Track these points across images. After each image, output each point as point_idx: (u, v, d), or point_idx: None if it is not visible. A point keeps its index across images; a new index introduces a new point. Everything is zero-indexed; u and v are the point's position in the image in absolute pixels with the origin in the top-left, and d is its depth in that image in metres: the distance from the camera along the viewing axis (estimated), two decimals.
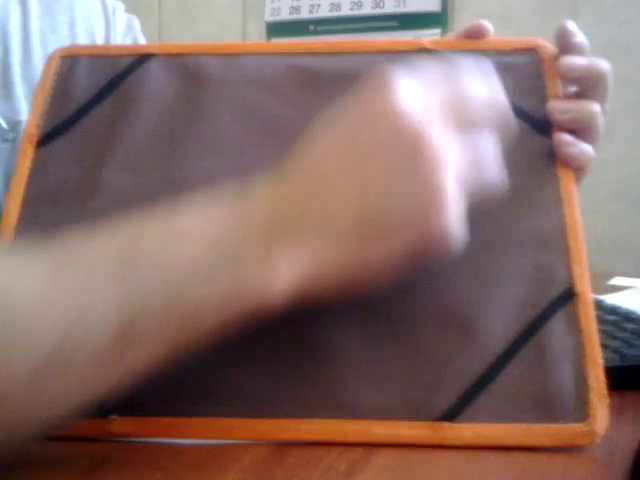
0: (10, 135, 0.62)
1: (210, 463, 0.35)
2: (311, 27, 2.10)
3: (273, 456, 0.36)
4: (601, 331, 0.52)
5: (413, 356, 0.39)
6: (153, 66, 0.48)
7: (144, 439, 0.38)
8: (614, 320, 0.56)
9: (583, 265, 0.40)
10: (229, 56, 0.48)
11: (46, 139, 0.46)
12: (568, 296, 0.40)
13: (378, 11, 1.99)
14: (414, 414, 0.37)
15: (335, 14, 2.05)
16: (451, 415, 0.37)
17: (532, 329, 0.39)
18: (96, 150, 0.46)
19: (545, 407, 0.37)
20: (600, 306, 0.62)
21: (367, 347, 0.39)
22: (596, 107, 0.44)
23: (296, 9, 2.10)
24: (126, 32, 0.73)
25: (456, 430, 0.37)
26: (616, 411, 0.42)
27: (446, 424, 0.37)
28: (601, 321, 0.56)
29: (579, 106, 0.44)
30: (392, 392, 0.38)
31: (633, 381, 0.46)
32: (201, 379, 0.38)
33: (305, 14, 2.10)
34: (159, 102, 0.47)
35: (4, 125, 0.61)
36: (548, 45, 0.47)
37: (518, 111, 0.44)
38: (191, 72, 0.47)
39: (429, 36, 1.95)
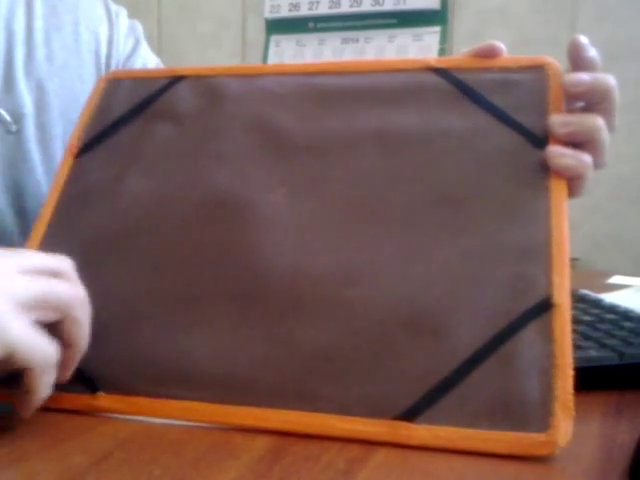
0: (14, 127, 0.62)
1: (209, 460, 0.35)
2: (310, 24, 2.10)
3: (272, 454, 0.36)
4: (600, 330, 0.53)
5: (377, 354, 0.40)
6: (183, 87, 0.53)
7: (126, 416, 0.41)
8: (613, 319, 0.56)
9: (564, 277, 0.40)
10: (249, 76, 0.53)
11: (84, 150, 0.52)
12: (545, 306, 0.39)
13: (377, 8, 1.99)
14: (373, 411, 0.38)
15: (335, 11, 2.05)
16: (410, 415, 0.37)
17: (503, 336, 0.39)
18: (124, 160, 0.51)
19: (507, 415, 0.37)
20: (599, 305, 0.62)
21: (335, 343, 0.40)
22: (599, 121, 0.44)
23: (295, 6, 2.10)
24: (128, 34, 0.74)
25: (413, 430, 0.37)
26: (614, 410, 0.42)
27: (404, 423, 0.37)
28: (600, 320, 0.56)
29: (580, 119, 0.45)
30: (355, 389, 0.39)
31: (632, 380, 0.46)
32: (181, 365, 0.42)
33: (305, 11, 2.10)
34: (181, 118, 0.52)
35: (8, 118, 0.62)
36: (555, 63, 0.47)
37: (516, 125, 0.45)
38: (214, 91, 0.52)
39: (428, 33, 1.95)
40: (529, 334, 0.39)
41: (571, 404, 0.36)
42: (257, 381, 0.40)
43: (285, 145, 0.48)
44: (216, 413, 0.40)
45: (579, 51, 0.45)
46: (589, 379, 0.44)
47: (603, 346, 0.48)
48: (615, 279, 0.88)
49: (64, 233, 0.49)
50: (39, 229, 0.49)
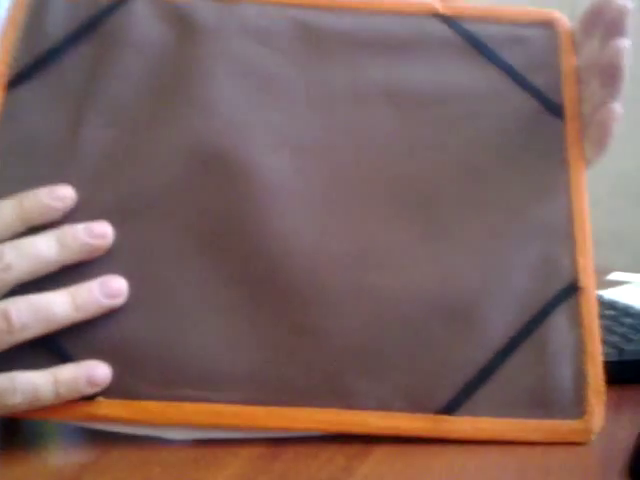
0: None
1: (208, 458, 0.35)
2: None
3: (271, 450, 0.36)
4: (599, 326, 0.53)
5: (411, 344, 0.38)
6: (139, 6, 0.43)
7: (130, 426, 0.36)
8: (612, 315, 0.56)
9: (588, 257, 0.39)
10: (225, 2, 0.43)
11: (17, 80, 0.41)
12: (572, 290, 0.39)
13: None
14: (413, 406, 0.37)
15: None
16: (451, 408, 0.37)
17: (534, 323, 0.38)
18: (75, 99, 0.41)
19: (543, 403, 0.37)
20: (599, 301, 0.62)
21: (367, 336, 0.38)
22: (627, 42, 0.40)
23: None
24: None
25: (456, 424, 0.36)
26: (614, 405, 0.42)
27: (446, 417, 0.36)
28: (599, 316, 0.56)
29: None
30: (392, 383, 0.37)
31: (631, 376, 0.46)
32: (195, 362, 0.37)
33: None
34: (146, 50, 0.42)
35: None
36: (565, 19, 0.45)
37: (532, 89, 0.43)
38: (183, 18, 0.43)
39: None
40: (559, 319, 0.38)
41: (603, 390, 0.37)
42: (285, 378, 0.37)
43: (282, 96, 0.41)
44: (240, 416, 0.36)
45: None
46: None
47: (602, 342, 0.48)
48: (615, 275, 0.88)
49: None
50: None
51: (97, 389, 0.35)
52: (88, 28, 0.43)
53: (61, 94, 0.41)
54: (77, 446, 0.36)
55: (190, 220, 0.39)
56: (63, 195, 0.37)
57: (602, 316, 0.55)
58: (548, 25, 0.45)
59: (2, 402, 0.34)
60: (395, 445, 0.36)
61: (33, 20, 0.43)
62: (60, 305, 0.35)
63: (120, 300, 0.37)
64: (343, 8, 0.44)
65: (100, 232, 0.37)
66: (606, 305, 0.60)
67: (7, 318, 0.34)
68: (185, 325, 0.37)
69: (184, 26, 0.43)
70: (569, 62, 0.44)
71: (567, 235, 0.40)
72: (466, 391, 0.37)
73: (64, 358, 0.36)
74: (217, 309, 0.38)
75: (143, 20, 0.43)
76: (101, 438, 0.37)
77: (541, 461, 0.35)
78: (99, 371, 0.35)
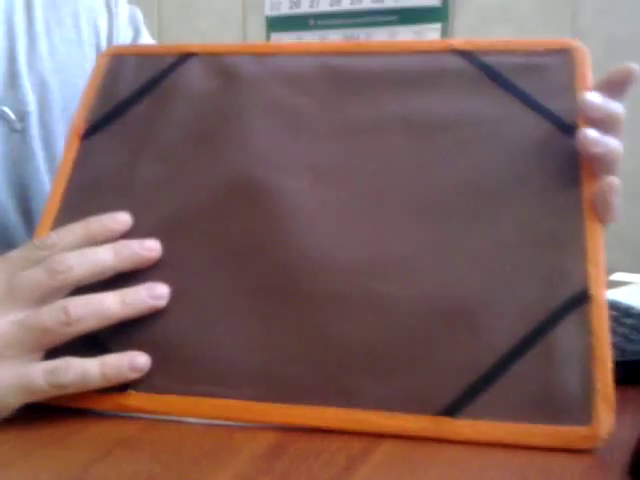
0: (18, 125, 0.62)
1: (210, 457, 0.35)
2: (311, 21, 2.09)
3: (272, 450, 0.36)
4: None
5: (418, 349, 0.39)
6: (194, 65, 0.50)
7: (157, 416, 0.40)
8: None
9: (600, 267, 0.40)
10: (264, 56, 0.50)
11: (91, 132, 0.49)
12: (582, 298, 0.39)
13: (378, 5, 1.99)
14: (415, 407, 0.37)
15: (335, 8, 2.04)
16: (452, 410, 0.37)
17: (542, 329, 0.38)
18: (134, 143, 0.48)
19: (548, 408, 0.37)
20: None
21: (372, 337, 0.39)
22: (622, 109, 0.44)
23: (296, 3, 2.10)
24: (129, 23, 0.73)
25: (456, 426, 0.37)
26: (616, 406, 0.42)
27: (446, 419, 0.37)
28: None
29: (609, 105, 0.43)
30: (395, 384, 0.38)
31: (633, 376, 0.46)
32: (213, 362, 0.40)
33: (305, 8, 2.09)
34: (196, 99, 0.49)
35: (12, 116, 0.61)
36: (582, 46, 0.46)
37: (545, 112, 0.44)
38: (228, 71, 0.49)
39: (429, 30, 1.95)
40: (567, 327, 0.38)
41: (612, 397, 0.37)
42: (293, 377, 0.39)
43: (307, 130, 0.46)
44: (252, 411, 0.39)
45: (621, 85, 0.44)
46: None
47: None
48: (616, 276, 0.88)
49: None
50: (47, 220, 0.46)
51: (138, 374, 0.40)
52: (150, 85, 0.50)
53: (124, 141, 0.48)
54: (79, 445, 0.36)
55: (219, 238, 0.44)
56: (122, 220, 0.44)
57: None
58: (564, 52, 0.46)
59: (56, 380, 0.38)
60: (396, 446, 0.36)
61: (108, 79, 0.51)
62: (111, 302, 0.40)
63: (163, 302, 0.42)
64: (369, 52, 0.49)
65: (150, 246, 0.43)
66: (608, 306, 0.60)
67: (66, 312, 0.39)
68: (207, 329, 0.41)
69: (229, 77, 0.49)
70: (584, 84, 0.45)
71: (578, 246, 0.40)
72: (468, 394, 0.37)
73: (104, 351, 0.40)
74: (236, 315, 0.41)
75: (195, 75, 0.50)
76: (103, 438, 0.37)
77: (542, 462, 0.35)
78: (140, 358, 0.40)
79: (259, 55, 0.50)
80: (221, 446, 0.36)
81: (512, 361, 0.38)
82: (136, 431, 0.38)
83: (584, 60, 0.45)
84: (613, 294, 0.71)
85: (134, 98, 0.50)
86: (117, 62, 0.52)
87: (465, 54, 0.46)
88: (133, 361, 0.40)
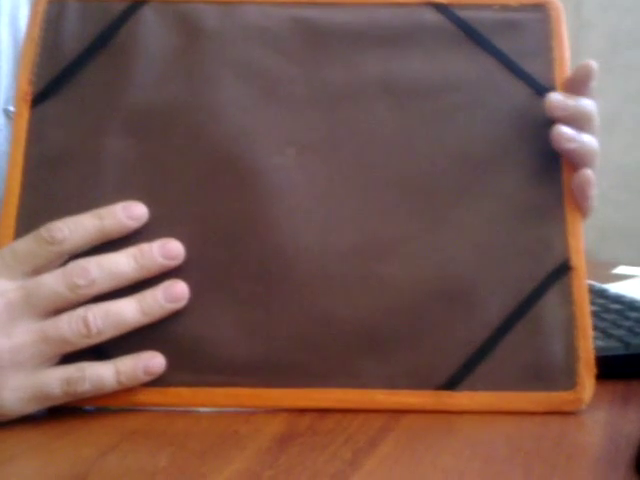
0: None
1: (215, 451, 0.35)
2: None
3: (278, 444, 0.36)
4: (605, 320, 0.53)
5: (417, 328, 0.41)
6: (148, 15, 0.45)
7: (168, 408, 0.41)
8: (618, 309, 0.56)
9: (579, 238, 0.42)
10: (228, 4, 0.45)
11: (40, 98, 0.44)
12: (564, 269, 0.41)
13: None
14: (418, 383, 0.40)
15: None
16: (452, 384, 0.40)
17: (529, 302, 0.41)
18: (95, 111, 0.44)
19: (538, 376, 0.40)
20: (604, 295, 0.62)
21: (373, 318, 0.41)
22: (594, 107, 0.44)
23: None
24: None
25: (457, 398, 0.40)
26: (621, 399, 0.42)
27: (447, 392, 0.40)
28: (605, 310, 0.56)
29: (578, 103, 0.43)
30: (397, 362, 0.40)
31: (638, 370, 0.46)
32: (219, 352, 0.41)
33: None
34: (157, 58, 0.44)
35: None
36: (557, 2, 0.46)
37: (524, 75, 0.44)
38: (189, 24, 0.45)
39: None
40: (551, 298, 0.41)
41: (593, 363, 0.40)
42: (299, 362, 0.40)
43: (286, 97, 0.44)
44: (262, 397, 0.40)
45: (586, 79, 0.44)
46: (595, 369, 0.44)
47: (609, 336, 0.48)
48: (620, 269, 0.88)
49: (40, 212, 0.42)
50: (11, 203, 0.42)
51: (153, 377, 0.40)
52: (102, 41, 0.45)
53: (81, 107, 0.44)
54: (85, 439, 0.37)
55: (206, 223, 0.42)
56: (138, 215, 0.41)
57: (608, 310, 0.56)
58: (540, 8, 0.45)
59: (72, 389, 0.38)
60: (401, 440, 0.37)
61: (49, 35, 0.45)
62: (129, 312, 0.40)
63: (182, 303, 0.41)
64: (341, 3, 0.45)
65: (174, 254, 0.41)
66: (612, 299, 0.60)
67: (86, 324, 0.39)
68: (209, 319, 0.41)
69: (192, 32, 0.45)
70: (560, 46, 0.45)
71: (559, 218, 0.42)
72: (466, 368, 0.40)
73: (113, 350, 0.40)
74: (236, 303, 0.41)
75: (152, 28, 0.45)
76: (108, 432, 0.37)
77: (548, 456, 0.35)
78: (155, 361, 0.40)
79: (222, 3, 0.45)
80: (226, 440, 0.36)
81: (504, 334, 0.40)
82: (141, 425, 0.39)
83: (559, 17, 0.45)
84: (617, 287, 0.71)
85: (85, 57, 0.44)
86: (57, 9, 0.45)
87: (441, 7, 0.45)
88: (148, 365, 0.40)
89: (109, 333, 0.39)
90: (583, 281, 0.41)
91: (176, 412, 0.40)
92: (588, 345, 0.40)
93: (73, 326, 0.38)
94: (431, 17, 0.45)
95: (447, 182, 0.43)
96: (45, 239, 0.40)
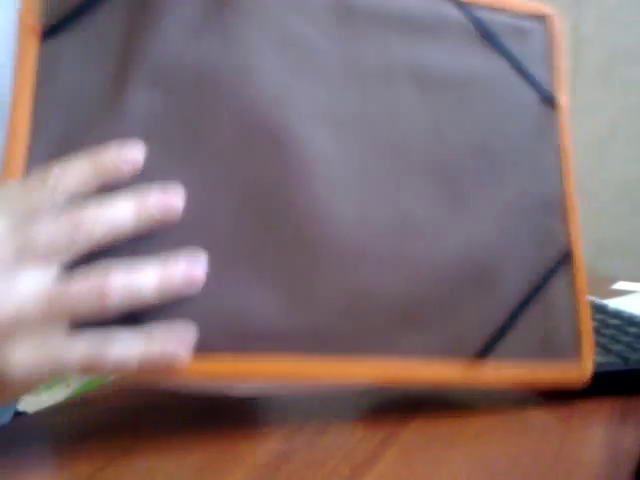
0: None
1: (213, 467, 0.35)
2: None
3: (276, 460, 0.36)
4: (605, 335, 0.53)
5: (449, 303, 0.43)
6: None
7: (209, 382, 0.40)
8: (617, 324, 0.56)
9: (577, 227, 0.47)
10: None
11: (52, 31, 0.40)
12: (568, 257, 0.46)
13: None
14: (453, 352, 0.43)
15: None
16: (483, 354, 0.43)
17: (541, 285, 0.45)
18: (114, 55, 0.40)
19: (550, 350, 0.45)
20: (603, 310, 0.62)
21: (409, 295, 0.42)
22: None
23: None
24: None
25: (483, 371, 0.43)
26: (620, 415, 0.42)
27: (476, 363, 0.43)
28: (604, 325, 0.56)
29: None
30: (432, 333, 0.43)
31: (637, 385, 0.46)
32: (260, 321, 0.39)
33: None
34: (190, 9, 0.41)
35: None
36: (556, 14, 0.49)
37: (532, 80, 0.48)
38: None
39: None
40: (559, 281, 0.46)
41: (592, 337, 0.46)
42: (340, 331, 0.41)
43: (320, 69, 0.43)
44: (304, 368, 0.39)
45: None
46: (594, 385, 0.44)
47: (608, 351, 0.48)
48: (620, 285, 0.88)
49: (54, 158, 0.38)
50: (20, 147, 0.38)
51: (183, 358, 0.36)
52: None
53: (99, 49, 0.40)
54: (84, 454, 0.36)
55: (241, 191, 0.40)
56: (133, 159, 0.37)
57: (607, 325, 0.56)
58: (542, 20, 0.49)
59: (93, 368, 0.35)
60: (400, 455, 0.36)
61: None
62: (149, 288, 0.36)
63: (200, 284, 0.38)
64: None
65: (173, 203, 0.38)
66: (611, 314, 0.60)
67: (101, 298, 0.35)
68: (247, 289, 0.39)
69: None
70: (560, 57, 0.49)
71: (562, 209, 0.47)
72: (494, 339, 0.44)
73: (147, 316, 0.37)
74: (274, 273, 0.40)
75: None
76: (105, 447, 0.37)
77: (547, 472, 0.35)
78: (185, 339, 0.36)
79: None
80: (224, 455, 0.36)
81: (521, 313, 0.45)
82: (138, 441, 0.38)
83: (559, 30, 0.49)
84: (617, 303, 0.70)
85: None
86: None
87: (460, 4, 0.47)
88: (177, 348, 0.36)
89: (124, 307, 0.35)
90: (582, 267, 0.46)
91: (176, 423, 0.40)
92: (588, 323, 0.46)
93: (86, 297, 0.35)
94: (451, 12, 0.47)
95: (467, 167, 0.45)
96: (37, 180, 0.36)
